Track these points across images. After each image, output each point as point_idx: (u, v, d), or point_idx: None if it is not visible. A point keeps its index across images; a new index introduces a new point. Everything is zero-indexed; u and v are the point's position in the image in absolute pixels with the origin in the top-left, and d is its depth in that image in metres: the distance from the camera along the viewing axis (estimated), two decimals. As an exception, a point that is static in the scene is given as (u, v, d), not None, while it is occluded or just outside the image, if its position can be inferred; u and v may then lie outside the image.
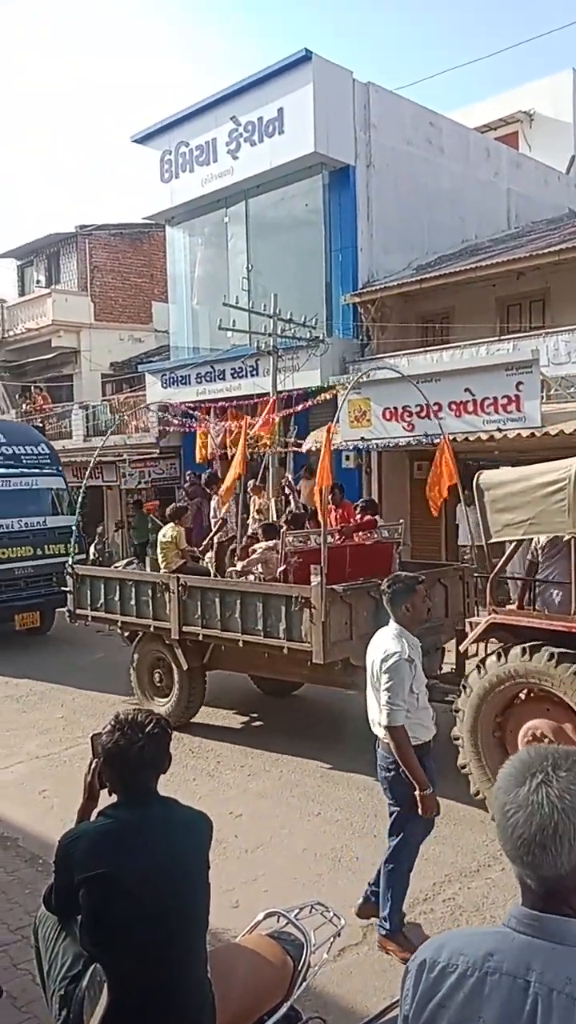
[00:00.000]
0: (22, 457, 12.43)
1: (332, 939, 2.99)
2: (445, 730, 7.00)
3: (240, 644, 6.83)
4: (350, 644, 6.22)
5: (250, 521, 14.49)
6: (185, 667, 7.46)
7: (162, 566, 8.48)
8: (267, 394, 12.73)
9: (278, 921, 2.97)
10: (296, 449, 13.60)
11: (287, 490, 12.06)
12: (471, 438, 10.67)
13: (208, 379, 16.58)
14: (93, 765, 2.67)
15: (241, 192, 16.44)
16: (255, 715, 8.11)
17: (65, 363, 23.91)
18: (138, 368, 20.07)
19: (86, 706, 8.52)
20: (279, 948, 2.76)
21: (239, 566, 7.84)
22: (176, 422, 15.02)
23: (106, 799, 2.59)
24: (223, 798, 5.90)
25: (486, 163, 17.75)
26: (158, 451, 19.00)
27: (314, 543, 7.03)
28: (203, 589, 7.22)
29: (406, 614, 4.11)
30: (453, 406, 11.06)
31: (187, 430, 14.54)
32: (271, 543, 7.54)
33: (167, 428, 16.60)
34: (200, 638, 7.23)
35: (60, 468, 12.97)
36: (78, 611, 8.60)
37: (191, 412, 14.28)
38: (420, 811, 3.93)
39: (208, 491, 16.86)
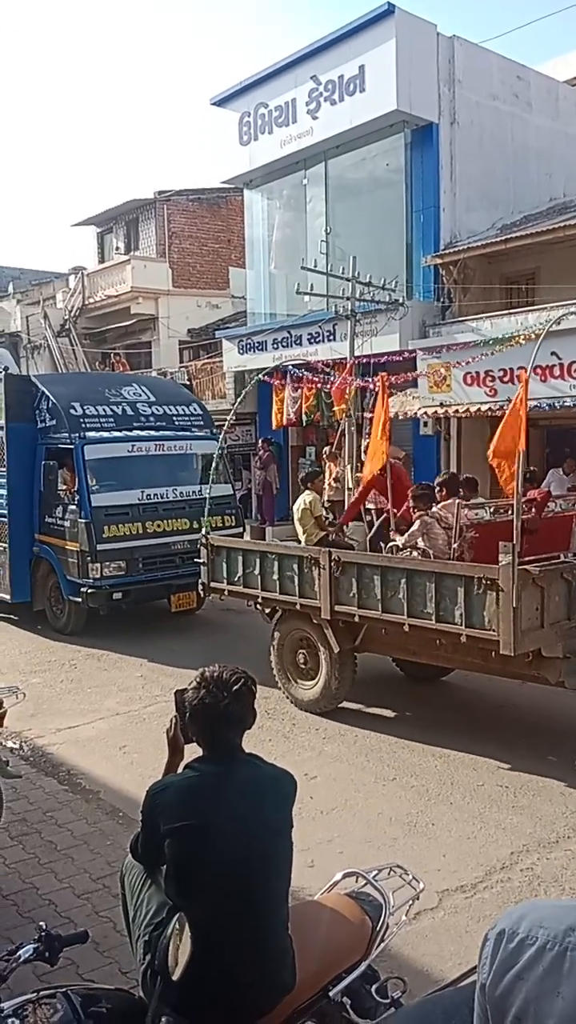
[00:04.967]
0: (174, 418, 11.20)
1: (411, 902, 2.98)
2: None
3: (405, 628, 6.12)
4: (541, 633, 5.53)
5: (325, 488, 14.44)
6: (336, 649, 6.82)
7: (301, 538, 7.99)
8: (344, 359, 12.58)
9: (357, 881, 2.97)
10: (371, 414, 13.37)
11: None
12: (558, 404, 10.35)
13: (285, 344, 16.49)
14: (175, 721, 2.70)
15: (320, 153, 16.17)
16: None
17: (143, 330, 24.13)
18: (215, 334, 20.12)
19: (164, 665, 8.66)
20: (358, 908, 2.76)
21: (399, 540, 7.06)
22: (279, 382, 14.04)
23: (190, 753, 2.62)
24: (298, 760, 5.93)
25: (576, 117, 17.02)
26: (234, 417, 19.04)
27: (486, 516, 6.38)
28: (360, 565, 6.46)
29: None
30: (538, 371, 10.74)
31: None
32: (430, 511, 6.80)
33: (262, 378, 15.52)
34: (356, 619, 6.57)
35: (214, 431, 11.60)
36: (213, 584, 8.02)
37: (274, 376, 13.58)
38: None
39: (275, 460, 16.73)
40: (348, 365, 11.94)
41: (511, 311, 12.91)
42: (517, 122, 15.73)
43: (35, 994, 2.20)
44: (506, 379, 11.24)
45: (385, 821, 5.10)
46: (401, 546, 6.90)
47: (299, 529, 8.15)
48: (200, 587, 8.31)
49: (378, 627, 6.50)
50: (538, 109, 16.14)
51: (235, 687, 2.45)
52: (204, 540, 8.16)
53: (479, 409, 11.82)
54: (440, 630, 5.89)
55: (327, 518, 8.47)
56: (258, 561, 7.41)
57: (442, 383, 12.01)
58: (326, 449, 14.46)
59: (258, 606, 7.75)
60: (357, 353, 12.78)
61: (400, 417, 13.41)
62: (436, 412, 12.73)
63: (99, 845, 4.79)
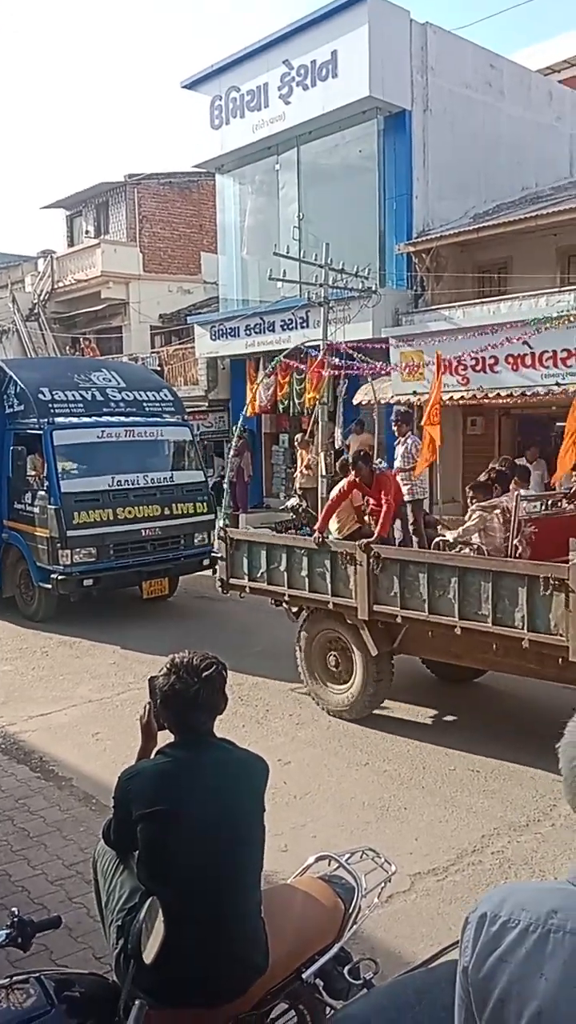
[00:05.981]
0: (144, 404, 11.02)
1: (383, 884, 3.00)
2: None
3: (457, 631, 5.61)
4: None
5: (297, 476, 14.46)
6: (374, 652, 6.29)
7: (333, 530, 7.35)
8: (317, 346, 12.55)
9: (329, 864, 2.99)
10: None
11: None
12: (528, 393, 10.43)
13: (257, 331, 16.45)
14: (148, 707, 2.69)
15: (293, 138, 16.11)
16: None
17: (114, 315, 23.92)
18: (187, 320, 20.01)
19: (137, 652, 8.63)
20: (331, 891, 2.78)
21: (449, 536, 6.57)
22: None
23: (163, 740, 2.62)
24: (272, 745, 5.95)
25: (548, 107, 17.09)
26: (206, 404, 19.00)
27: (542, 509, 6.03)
28: (404, 562, 5.94)
29: None
30: (510, 359, 10.81)
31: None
32: (487, 503, 6.31)
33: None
34: (397, 620, 6.04)
35: (186, 417, 11.69)
36: (232, 581, 7.46)
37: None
38: None
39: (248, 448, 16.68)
40: (322, 352, 11.92)
41: (484, 300, 12.98)
42: (489, 111, 15.77)
43: (8, 979, 2.19)
44: (478, 368, 11.30)
45: (358, 805, 5.14)
46: (452, 541, 6.45)
47: (333, 519, 7.70)
48: (219, 583, 7.86)
49: (423, 629, 5.96)
50: (511, 98, 16.19)
51: (205, 672, 2.45)
52: (223, 533, 7.60)
53: (451, 398, 11.87)
54: (497, 633, 5.41)
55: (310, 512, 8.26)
56: (284, 556, 6.86)
57: (415, 371, 12.04)
58: (298, 436, 14.48)
59: (284, 604, 7.25)
60: (330, 340, 12.77)
61: (369, 402, 13.44)
62: (409, 400, 12.75)
63: (72, 832, 4.77)
